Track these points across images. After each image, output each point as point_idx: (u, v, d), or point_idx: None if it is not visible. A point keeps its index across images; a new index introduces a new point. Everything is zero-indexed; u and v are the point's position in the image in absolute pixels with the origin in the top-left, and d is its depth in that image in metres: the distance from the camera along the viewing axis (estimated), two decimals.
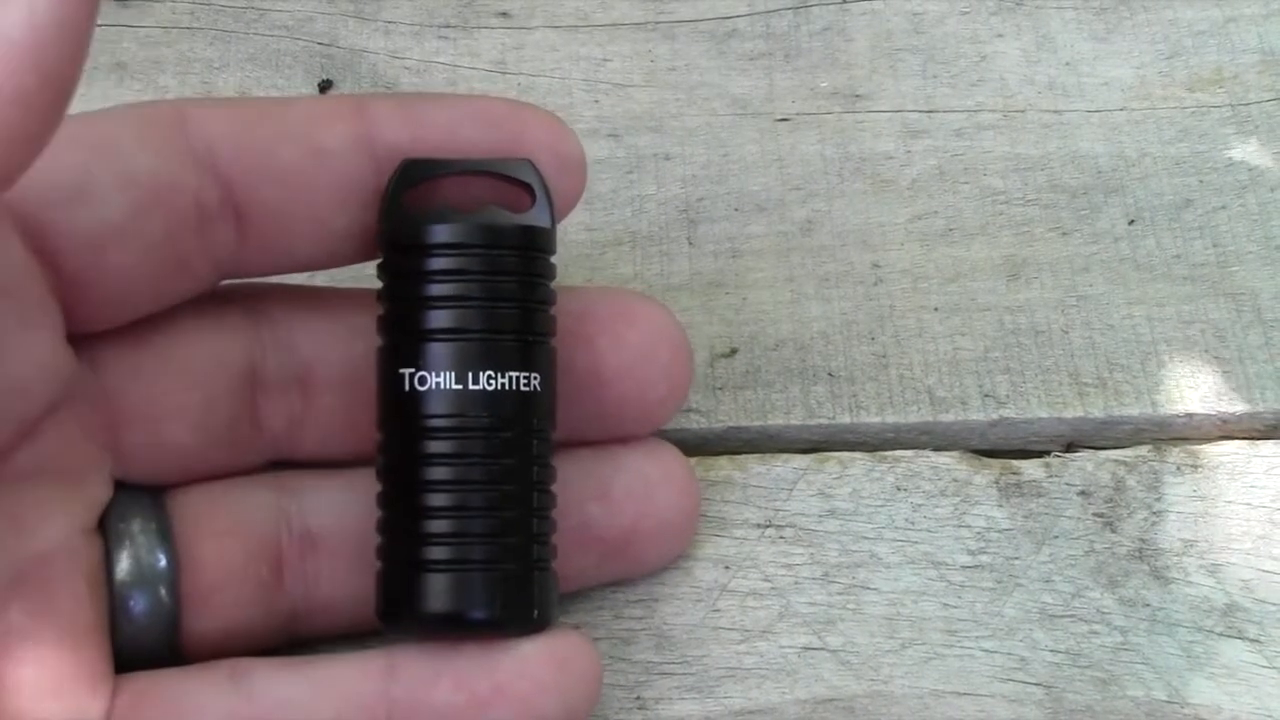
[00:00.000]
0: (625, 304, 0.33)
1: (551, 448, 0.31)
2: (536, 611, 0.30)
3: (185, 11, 0.43)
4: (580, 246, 0.39)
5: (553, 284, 0.31)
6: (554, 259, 0.31)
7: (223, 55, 0.42)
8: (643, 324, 0.33)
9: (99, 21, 0.42)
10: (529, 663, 0.30)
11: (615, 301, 0.33)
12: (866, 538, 0.35)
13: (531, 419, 0.30)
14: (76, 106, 0.41)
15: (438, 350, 0.29)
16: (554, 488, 0.31)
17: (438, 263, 0.29)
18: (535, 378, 0.30)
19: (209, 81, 0.41)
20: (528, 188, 0.30)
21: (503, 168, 0.30)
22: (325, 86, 0.41)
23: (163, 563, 0.30)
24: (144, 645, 0.30)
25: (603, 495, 0.32)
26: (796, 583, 0.34)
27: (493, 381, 0.29)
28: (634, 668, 0.33)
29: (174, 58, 0.42)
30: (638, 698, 0.33)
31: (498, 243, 0.30)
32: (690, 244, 0.39)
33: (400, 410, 0.30)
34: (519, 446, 0.30)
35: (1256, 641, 0.33)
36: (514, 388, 0.30)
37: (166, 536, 0.30)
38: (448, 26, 0.43)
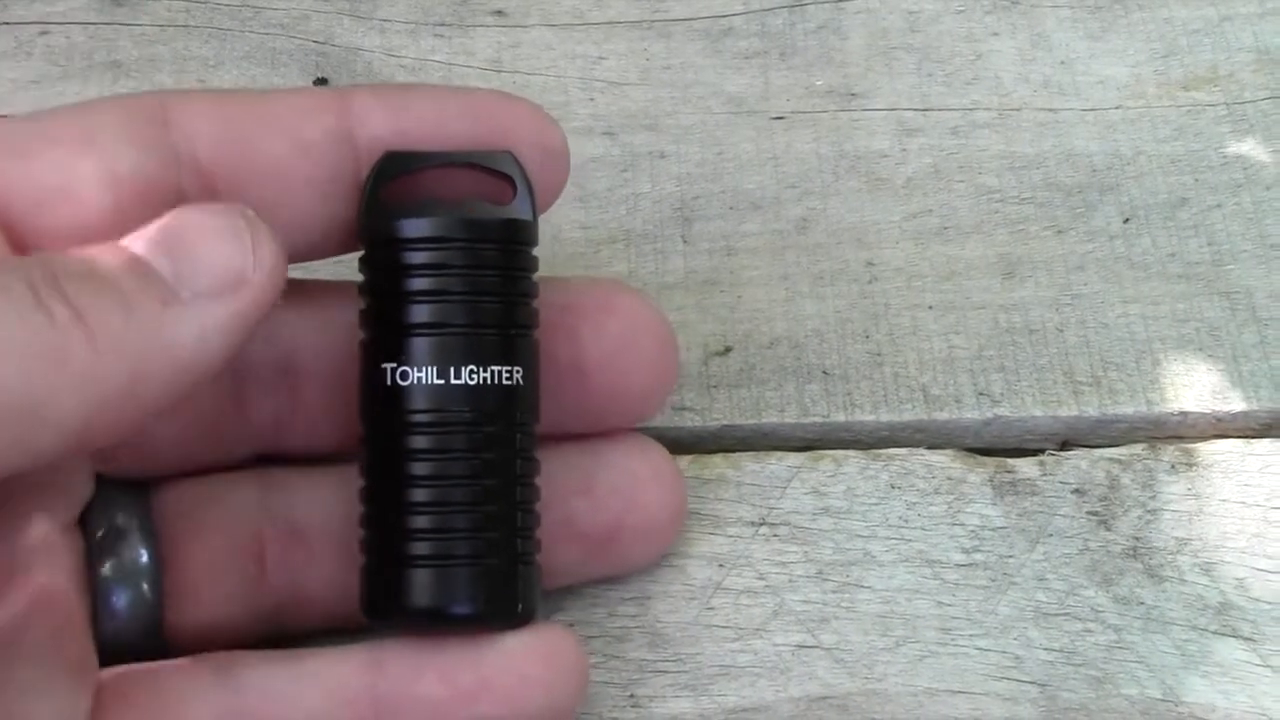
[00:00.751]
0: (608, 294, 0.33)
1: (535, 441, 0.31)
2: (521, 606, 0.30)
3: (181, 10, 0.43)
4: (575, 244, 0.39)
5: (534, 276, 0.31)
6: (535, 251, 0.31)
7: (218, 53, 0.42)
8: (625, 314, 0.32)
9: (93, 20, 0.42)
10: (514, 657, 0.30)
11: (598, 292, 0.33)
12: (860, 536, 0.35)
13: (514, 413, 0.30)
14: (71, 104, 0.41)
15: (419, 345, 0.29)
16: (538, 481, 0.31)
17: (418, 257, 0.29)
18: (518, 371, 0.30)
19: (205, 80, 0.41)
20: (509, 180, 0.30)
21: (483, 160, 0.30)
22: (320, 85, 0.41)
23: (145, 558, 0.30)
24: (127, 640, 0.30)
25: (587, 490, 0.32)
26: (790, 581, 0.34)
27: (475, 376, 0.29)
28: (627, 665, 0.33)
29: (170, 56, 0.42)
30: (631, 695, 0.33)
31: (478, 236, 0.30)
32: (685, 242, 0.39)
33: (382, 405, 0.30)
34: (502, 440, 0.30)
35: (1251, 640, 0.33)
36: (496, 382, 0.29)
37: (149, 532, 0.30)
38: (443, 25, 0.43)
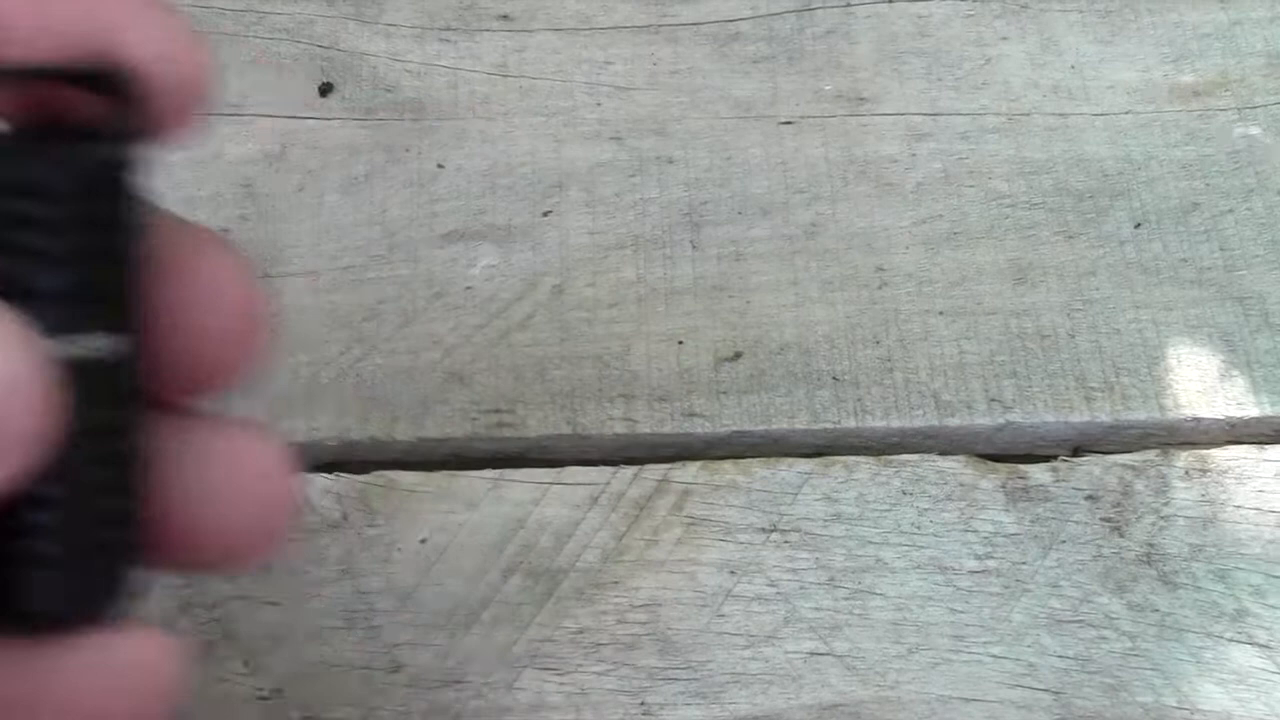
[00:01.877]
0: (192, 244, 0.25)
1: (134, 417, 0.24)
2: (103, 605, 0.24)
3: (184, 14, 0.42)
4: (583, 250, 0.38)
5: (143, 222, 0.23)
6: (146, 192, 0.23)
7: (223, 58, 0.42)
8: (210, 267, 0.25)
9: None
10: (90, 658, 0.26)
11: (183, 241, 0.25)
12: (873, 542, 0.34)
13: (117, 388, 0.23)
14: None
15: None
16: (130, 464, 0.24)
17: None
18: (122, 339, 0.23)
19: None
20: (119, 97, 0.22)
21: (79, 74, 0.22)
22: (326, 90, 0.41)
23: None
24: None
25: (180, 474, 0.25)
26: (802, 587, 0.34)
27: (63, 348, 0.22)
28: (638, 673, 0.33)
29: None
30: (642, 703, 0.32)
31: (68, 185, 0.22)
32: (694, 247, 0.39)
33: None
34: (93, 421, 0.23)
35: (1266, 647, 0.33)
36: (88, 356, 0.23)
37: None
38: (449, 29, 0.42)
